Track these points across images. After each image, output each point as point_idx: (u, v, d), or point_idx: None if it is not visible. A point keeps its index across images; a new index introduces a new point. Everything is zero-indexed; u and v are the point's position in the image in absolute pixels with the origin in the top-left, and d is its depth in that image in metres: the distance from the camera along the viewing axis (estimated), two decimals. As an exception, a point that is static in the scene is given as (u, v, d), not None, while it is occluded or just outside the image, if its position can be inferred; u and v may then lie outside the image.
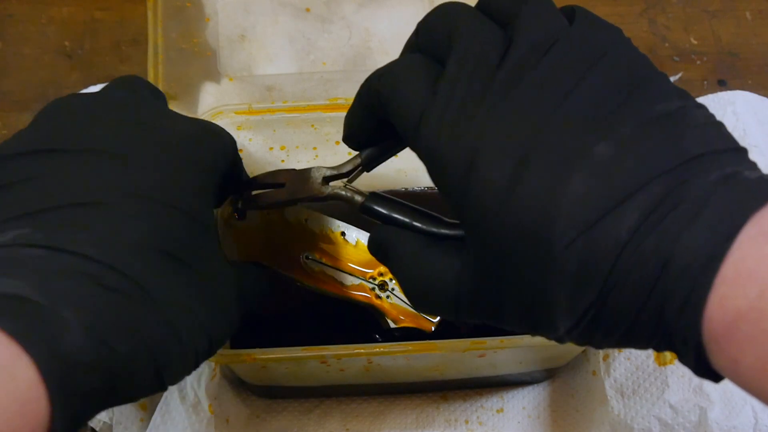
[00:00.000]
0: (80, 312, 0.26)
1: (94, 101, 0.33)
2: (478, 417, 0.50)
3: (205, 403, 0.47)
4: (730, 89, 0.60)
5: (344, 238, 0.43)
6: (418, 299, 0.31)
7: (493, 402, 0.50)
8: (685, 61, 0.66)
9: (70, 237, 0.27)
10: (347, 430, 0.49)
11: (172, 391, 0.48)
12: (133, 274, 0.27)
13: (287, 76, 0.61)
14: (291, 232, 0.42)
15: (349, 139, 0.34)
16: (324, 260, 0.42)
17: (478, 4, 0.31)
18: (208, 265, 0.31)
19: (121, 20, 0.65)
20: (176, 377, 0.30)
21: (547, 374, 0.51)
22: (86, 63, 0.63)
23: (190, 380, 0.48)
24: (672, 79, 0.62)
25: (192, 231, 0.31)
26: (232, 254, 0.42)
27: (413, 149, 0.30)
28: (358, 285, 0.43)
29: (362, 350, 0.42)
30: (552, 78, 0.27)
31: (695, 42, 0.67)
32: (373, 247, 0.34)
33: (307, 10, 0.65)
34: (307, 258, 0.42)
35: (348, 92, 0.60)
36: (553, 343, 0.42)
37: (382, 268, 0.43)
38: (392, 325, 0.43)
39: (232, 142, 0.36)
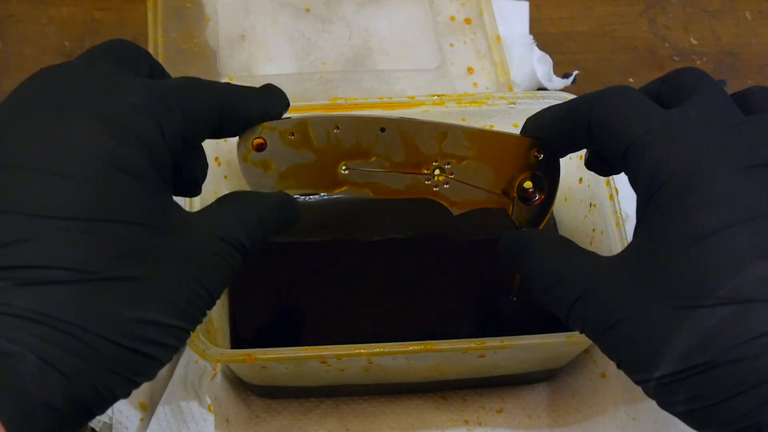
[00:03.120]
0: (35, 350, 0.26)
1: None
2: (478, 417, 0.50)
3: (205, 403, 0.47)
4: (731, 89, 0.60)
5: (384, 134, 0.38)
6: (543, 290, 0.33)
7: (493, 402, 0.50)
8: (685, 61, 0.66)
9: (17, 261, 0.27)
10: (347, 430, 0.49)
11: (172, 391, 0.48)
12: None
13: (287, 76, 0.61)
14: (322, 146, 0.38)
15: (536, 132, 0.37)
16: (367, 165, 0.39)
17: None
18: (164, 267, 0.30)
19: (121, 20, 0.65)
20: (154, 373, 0.30)
21: (548, 374, 0.51)
22: (86, 63, 0.63)
23: (190, 380, 0.48)
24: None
25: (138, 240, 0.29)
26: (258, 188, 0.38)
27: (628, 162, 0.31)
28: (411, 182, 0.39)
29: (362, 350, 0.42)
30: None
31: (695, 42, 0.67)
32: (508, 244, 0.36)
33: (307, 10, 0.65)
34: (346, 169, 0.38)
35: (348, 92, 0.60)
36: (553, 343, 0.43)
37: (437, 155, 0.39)
38: (456, 212, 0.40)
39: (203, 96, 0.33)
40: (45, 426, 0.26)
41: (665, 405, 0.29)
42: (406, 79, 0.62)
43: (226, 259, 0.32)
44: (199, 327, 0.42)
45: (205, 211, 0.33)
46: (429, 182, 0.39)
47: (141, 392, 0.48)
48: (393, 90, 0.61)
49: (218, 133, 0.35)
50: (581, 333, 0.32)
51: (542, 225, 0.39)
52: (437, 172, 0.39)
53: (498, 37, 0.62)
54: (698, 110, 0.30)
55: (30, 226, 0.27)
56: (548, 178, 0.38)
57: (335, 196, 0.39)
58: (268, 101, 0.37)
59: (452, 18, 0.65)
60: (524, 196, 0.39)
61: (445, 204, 0.39)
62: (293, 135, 0.37)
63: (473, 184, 0.39)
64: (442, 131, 0.38)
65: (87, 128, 0.28)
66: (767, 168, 0.28)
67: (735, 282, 0.27)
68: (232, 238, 0.32)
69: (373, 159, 0.38)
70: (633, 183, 0.31)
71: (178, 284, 0.30)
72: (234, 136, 0.36)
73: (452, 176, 0.39)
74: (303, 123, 0.38)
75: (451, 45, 0.64)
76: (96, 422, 0.47)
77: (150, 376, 0.29)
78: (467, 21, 0.65)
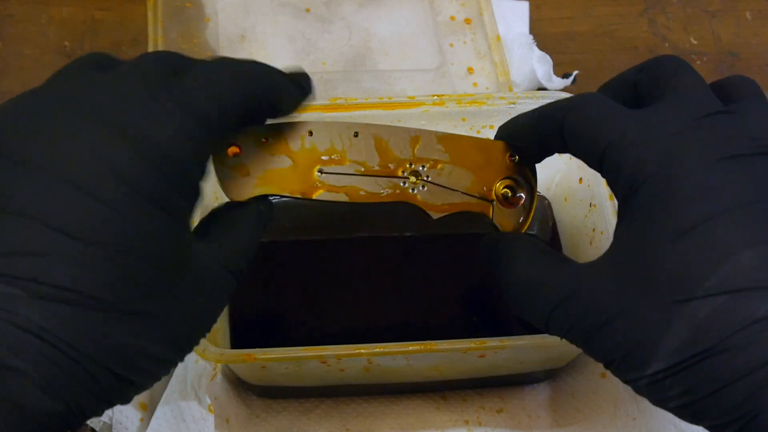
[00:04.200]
0: (38, 369, 0.26)
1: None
2: (478, 417, 0.50)
3: (204, 403, 0.47)
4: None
5: (358, 138, 0.39)
6: (518, 298, 0.33)
7: (493, 402, 0.50)
8: (685, 61, 0.66)
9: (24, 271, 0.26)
10: (347, 430, 0.49)
11: (173, 391, 0.48)
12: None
13: (287, 76, 0.61)
14: (297, 151, 0.38)
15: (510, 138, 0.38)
16: (342, 170, 0.38)
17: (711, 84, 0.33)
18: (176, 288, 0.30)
19: (122, 20, 0.65)
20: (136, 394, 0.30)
21: (548, 375, 0.51)
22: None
23: (190, 380, 0.48)
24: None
25: (142, 268, 0.28)
26: (235, 194, 0.38)
27: (606, 167, 0.31)
28: (388, 186, 0.39)
29: (362, 350, 0.42)
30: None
31: (695, 42, 0.67)
32: (487, 247, 0.36)
33: (307, 10, 0.65)
34: (321, 172, 0.38)
35: (348, 92, 0.60)
36: (553, 344, 0.43)
37: (411, 159, 0.39)
38: (435, 216, 0.39)
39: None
40: None
41: (658, 401, 0.29)
42: (406, 79, 0.62)
43: (224, 288, 0.32)
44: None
45: (206, 236, 0.33)
46: (405, 185, 0.39)
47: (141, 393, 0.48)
48: (393, 90, 0.61)
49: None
50: (562, 338, 0.32)
51: (524, 228, 0.39)
52: (413, 175, 0.39)
53: (498, 37, 0.62)
54: (674, 107, 0.30)
55: (53, 240, 0.26)
56: (526, 181, 0.39)
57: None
58: (302, 96, 0.36)
59: (452, 18, 0.65)
60: (504, 199, 0.39)
61: (423, 207, 0.39)
62: (267, 140, 0.37)
63: (451, 187, 0.39)
64: (415, 135, 0.38)
65: (128, 156, 0.28)
66: (742, 158, 0.29)
67: (723, 272, 0.27)
68: (231, 266, 0.32)
69: (348, 163, 0.38)
70: (611, 185, 0.31)
71: (182, 322, 0.30)
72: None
73: (428, 179, 0.39)
74: (277, 128, 0.38)
75: (451, 45, 0.64)
76: (96, 422, 0.47)
77: (128, 401, 0.29)
78: (467, 21, 0.65)
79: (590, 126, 0.31)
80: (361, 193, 0.39)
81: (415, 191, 0.39)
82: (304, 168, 0.38)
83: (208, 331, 0.32)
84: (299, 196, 0.38)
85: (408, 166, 0.39)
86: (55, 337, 0.26)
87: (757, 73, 0.66)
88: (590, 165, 0.32)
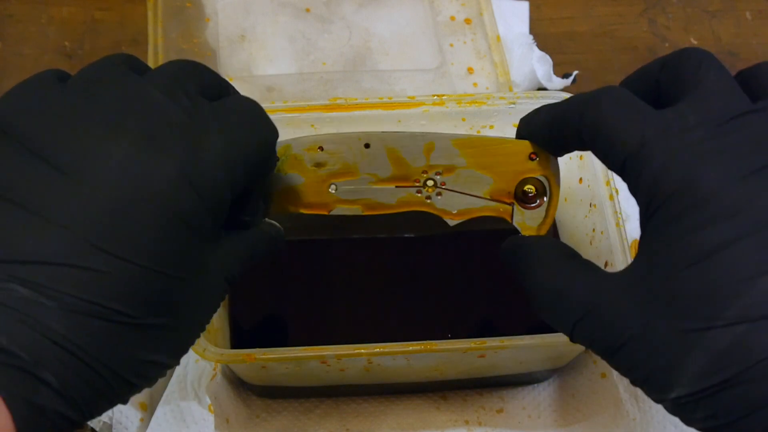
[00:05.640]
0: (59, 375, 0.26)
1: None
2: (478, 417, 0.50)
3: (204, 403, 0.47)
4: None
5: (369, 150, 0.38)
6: (542, 306, 0.32)
7: (493, 402, 0.50)
8: (685, 61, 0.66)
9: (47, 276, 0.26)
10: (347, 430, 0.49)
11: (172, 391, 0.48)
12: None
13: (287, 77, 0.61)
14: (309, 168, 0.38)
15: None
16: (355, 183, 0.38)
17: (737, 74, 0.31)
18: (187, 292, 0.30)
19: (121, 20, 0.65)
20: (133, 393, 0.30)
21: (548, 374, 0.51)
22: (86, 63, 0.62)
23: (190, 380, 0.48)
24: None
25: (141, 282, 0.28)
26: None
27: (626, 173, 0.30)
28: (402, 196, 0.38)
29: (362, 350, 0.42)
30: None
31: (695, 42, 0.67)
32: (509, 251, 0.35)
33: (307, 10, 0.65)
34: (334, 186, 0.38)
35: (348, 92, 0.60)
36: (553, 343, 0.43)
37: (425, 167, 0.38)
38: (452, 223, 0.38)
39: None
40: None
41: (686, 421, 0.29)
42: (406, 79, 0.61)
43: (222, 296, 0.33)
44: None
45: (215, 249, 0.32)
46: (420, 194, 0.38)
47: (141, 392, 0.48)
48: (393, 90, 0.61)
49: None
50: (588, 349, 0.31)
51: (545, 229, 0.38)
52: (429, 183, 0.38)
53: (498, 37, 0.62)
54: (696, 109, 0.29)
55: (83, 251, 0.26)
56: (548, 180, 0.37)
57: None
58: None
59: (452, 18, 0.65)
60: (524, 200, 0.38)
61: (440, 215, 0.38)
62: (277, 159, 0.37)
63: (468, 193, 0.38)
64: (429, 142, 0.37)
65: (168, 176, 0.28)
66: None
67: (743, 301, 0.26)
68: (232, 277, 0.33)
69: (361, 176, 0.38)
70: (633, 192, 0.30)
71: (189, 332, 0.31)
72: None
73: (444, 186, 0.38)
74: (286, 147, 0.37)
75: (451, 45, 0.64)
76: (96, 422, 0.47)
77: (126, 402, 0.30)
78: (467, 21, 0.65)
79: (609, 129, 0.30)
80: (376, 204, 0.38)
81: (431, 200, 0.38)
82: (317, 184, 0.38)
83: (202, 331, 0.33)
84: (314, 212, 0.38)
85: (423, 174, 0.38)
86: (76, 347, 0.26)
87: (757, 73, 0.66)
88: (611, 168, 0.31)
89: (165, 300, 0.28)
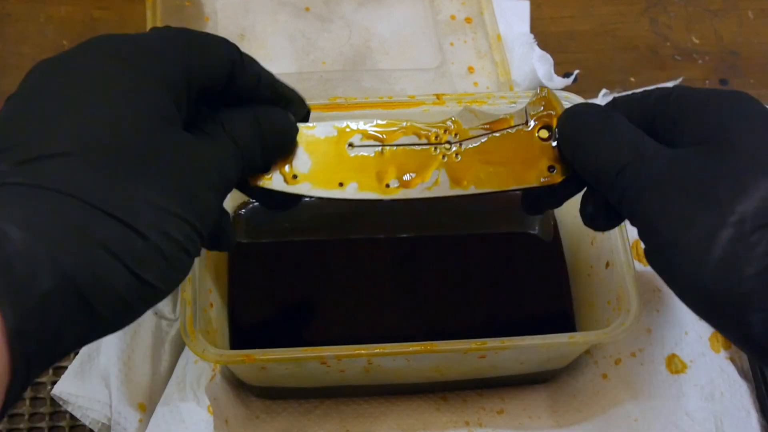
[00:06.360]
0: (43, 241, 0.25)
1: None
2: (478, 418, 0.50)
3: (203, 404, 0.47)
4: (732, 89, 0.60)
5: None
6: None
7: (493, 403, 0.50)
8: (686, 61, 0.66)
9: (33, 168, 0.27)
10: (347, 431, 0.49)
11: (171, 392, 0.47)
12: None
13: (287, 76, 0.60)
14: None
15: None
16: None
17: None
18: (168, 159, 0.29)
19: (120, 19, 0.65)
20: (162, 274, 0.28)
21: (548, 375, 0.51)
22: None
23: (189, 381, 0.48)
24: (673, 83, 0.62)
25: (142, 133, 0.29)
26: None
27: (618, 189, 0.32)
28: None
29: (362, 351, 0.41)
30: None
31: (697, 41, 0.67)
32: (571, 122, 0.36)
33: (307, 9, 0.65)
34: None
35: (348, 92, 0.60)
36: (554, 344, 0.43)
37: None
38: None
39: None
40: (34, 305, 0.25)
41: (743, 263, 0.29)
42: (406, 78, 0.61)
43: (223, 148, 0.33)
44: (198, 327, 0.42)
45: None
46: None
47: (139, 393, 0.48)
48: (393, 89, 0.61)
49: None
50: (623, 197, 0.32)
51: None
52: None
53: (498, 37, 0.62)
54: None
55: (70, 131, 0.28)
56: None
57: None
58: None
59: (453, 17, 0.65)
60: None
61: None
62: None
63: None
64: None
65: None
66: None
67: None
68: (234, 132, 0.34)
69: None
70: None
71: (182, 174, 0.29)
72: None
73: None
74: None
75: (452, 44, 0.63)
76: (94, 423, 0.47)
77: (157, 274, 0.28)
78: (468, 20, 0.64)
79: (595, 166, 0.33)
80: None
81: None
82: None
83: (218, 204, 0.32)
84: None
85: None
86: (36, 188, 0.26)
87: (759, 72, 0.66)
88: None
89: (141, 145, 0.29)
